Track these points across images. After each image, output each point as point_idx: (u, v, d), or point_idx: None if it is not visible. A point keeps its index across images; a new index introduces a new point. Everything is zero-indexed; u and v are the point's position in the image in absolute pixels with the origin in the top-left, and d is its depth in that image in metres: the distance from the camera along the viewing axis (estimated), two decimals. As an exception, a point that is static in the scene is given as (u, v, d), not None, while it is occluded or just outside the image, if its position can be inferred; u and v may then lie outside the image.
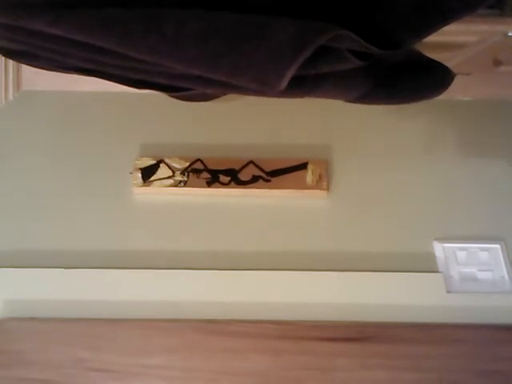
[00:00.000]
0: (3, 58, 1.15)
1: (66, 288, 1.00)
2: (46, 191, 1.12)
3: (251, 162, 1.13)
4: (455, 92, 0.97)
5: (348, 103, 0.94)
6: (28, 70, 1.17)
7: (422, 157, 1.15)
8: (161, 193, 1.11)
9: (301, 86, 0.85)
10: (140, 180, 1.11)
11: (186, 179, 1.12)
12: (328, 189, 1.11)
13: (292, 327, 0.95)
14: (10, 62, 1.19)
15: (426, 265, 1.02)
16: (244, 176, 1.12)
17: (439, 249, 1.04)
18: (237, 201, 1.11)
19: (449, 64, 0.91)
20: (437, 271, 1.02)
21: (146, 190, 1.11)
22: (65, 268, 1.01)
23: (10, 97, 1.22)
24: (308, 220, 1.09)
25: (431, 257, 1.03)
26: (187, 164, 1.13)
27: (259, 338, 0.93)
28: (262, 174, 1.12)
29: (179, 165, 1.13)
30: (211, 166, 1.13)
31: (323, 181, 1.11)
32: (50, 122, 1.21)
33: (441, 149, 1.16)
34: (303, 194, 1.11)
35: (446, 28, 0.83)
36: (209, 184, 1.11)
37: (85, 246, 1.05)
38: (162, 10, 0.80)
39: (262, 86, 0.80)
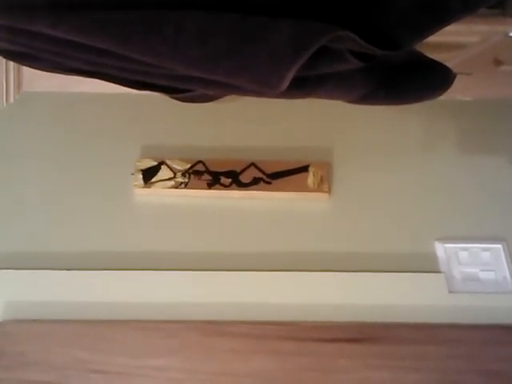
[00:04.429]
0: (4, 59, 1.15)
1: (67, 290, 1.00)
2: (46, 193, 1.12)
3: (252, 164, 1.13)
4: (456, 92, 0.97)
5: (349, 104, 0.94)
6: (29, 72, 1.17)
7: (424, 158, 1.15)
8: (162, 194, 1.11)
9: (301, 86, 0.85)
10: (141, 181, 1.11)
11: (187, 181, 1.12)
12: (329, 191, 1.11)
13: (293, 328, 0.95)
14: (11, 63, 1.19)
15: (428, 265, 1.02)
16: (245, 178, 1.12)
17: (441, 249, 1.04)
18: (237, 203, 1.10)
19: (450, 64, 0.91)
20: (439, 271, 1.02)
21: (147, 191, 1.11)
22: (66, 270, 1.02)
23: (11, 98, 1.22)
24: (309, 222, 1.09)
25: (433, 257, 1.03)
26: (188, 166, 1.13)
27: (260, 339, 0.93)
28: (263, 176, 1.11)
29: (180, 166, 1.13)
30: (212, 168, 1.13)
31: (325, 183, 1.11)
32: (50, 124, 1.21)
33: (442, 149, 1.16)
34: (304, 196, 1.10)
35: (447, 28, 0.82)
36: (209, 186, 1.11)
37: (86, 248, 1.05)
38: (162, 12, 0.80)
39: (263, 87, 0.80)
